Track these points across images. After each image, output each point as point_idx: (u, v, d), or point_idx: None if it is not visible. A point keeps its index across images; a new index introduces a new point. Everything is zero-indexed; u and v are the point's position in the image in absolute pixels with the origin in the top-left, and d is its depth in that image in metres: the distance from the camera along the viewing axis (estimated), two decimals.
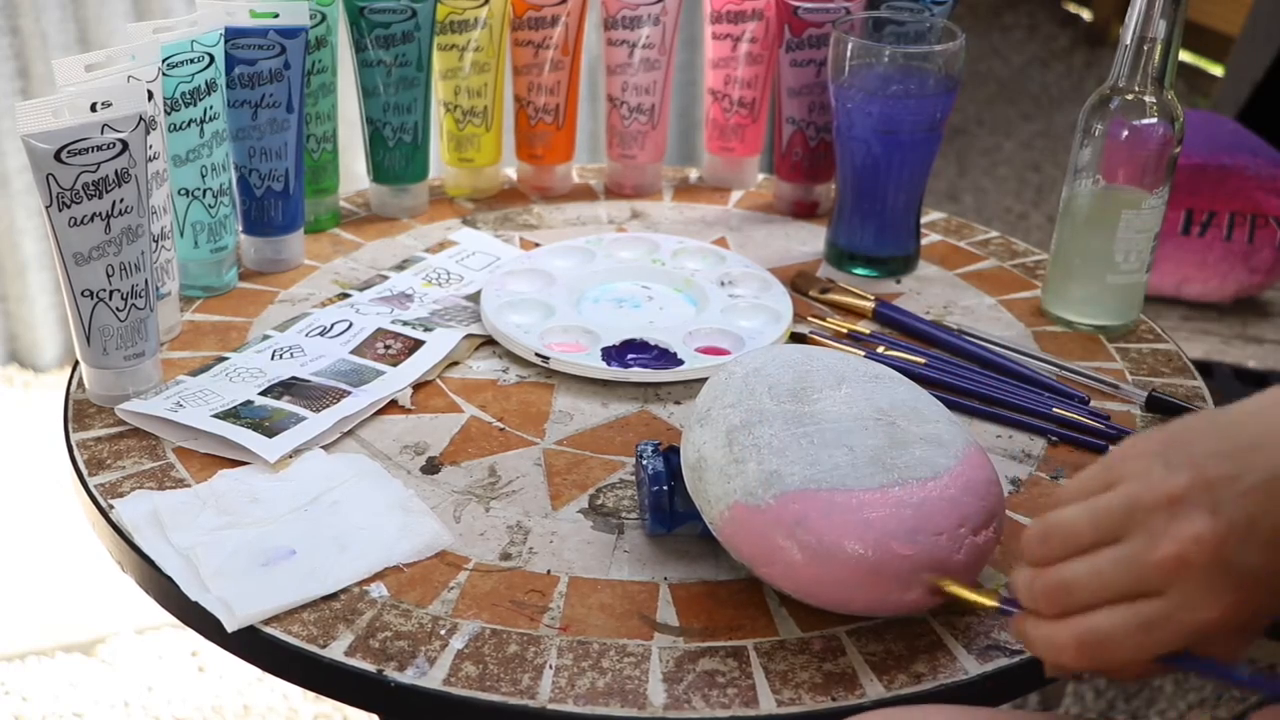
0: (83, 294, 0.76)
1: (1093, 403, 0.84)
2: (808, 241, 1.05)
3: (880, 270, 0.99)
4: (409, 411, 0.81)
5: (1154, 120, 0.86)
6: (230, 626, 0.63)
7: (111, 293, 0.77)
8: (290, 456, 0.75)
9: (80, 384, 0.81)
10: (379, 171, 1.06)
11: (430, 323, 0.89)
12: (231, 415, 0.77)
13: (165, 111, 0.85)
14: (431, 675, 0.61)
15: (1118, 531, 0.50)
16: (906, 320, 0.92)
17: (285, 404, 0.79)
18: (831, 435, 0.64)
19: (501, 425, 0.80)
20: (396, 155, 1.04)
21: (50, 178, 0.73)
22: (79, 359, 0.80)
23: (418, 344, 0.86)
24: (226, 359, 0.84)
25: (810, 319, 0.93)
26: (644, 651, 0.63)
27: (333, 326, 0.88)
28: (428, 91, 1.04)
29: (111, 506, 0.71)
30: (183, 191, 0.89)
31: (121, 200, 0.75)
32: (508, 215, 1.08)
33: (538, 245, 1.01)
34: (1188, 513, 0.48)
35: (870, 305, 0.93)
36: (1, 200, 2.02)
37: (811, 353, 0.70)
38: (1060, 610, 0.51)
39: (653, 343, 0.86)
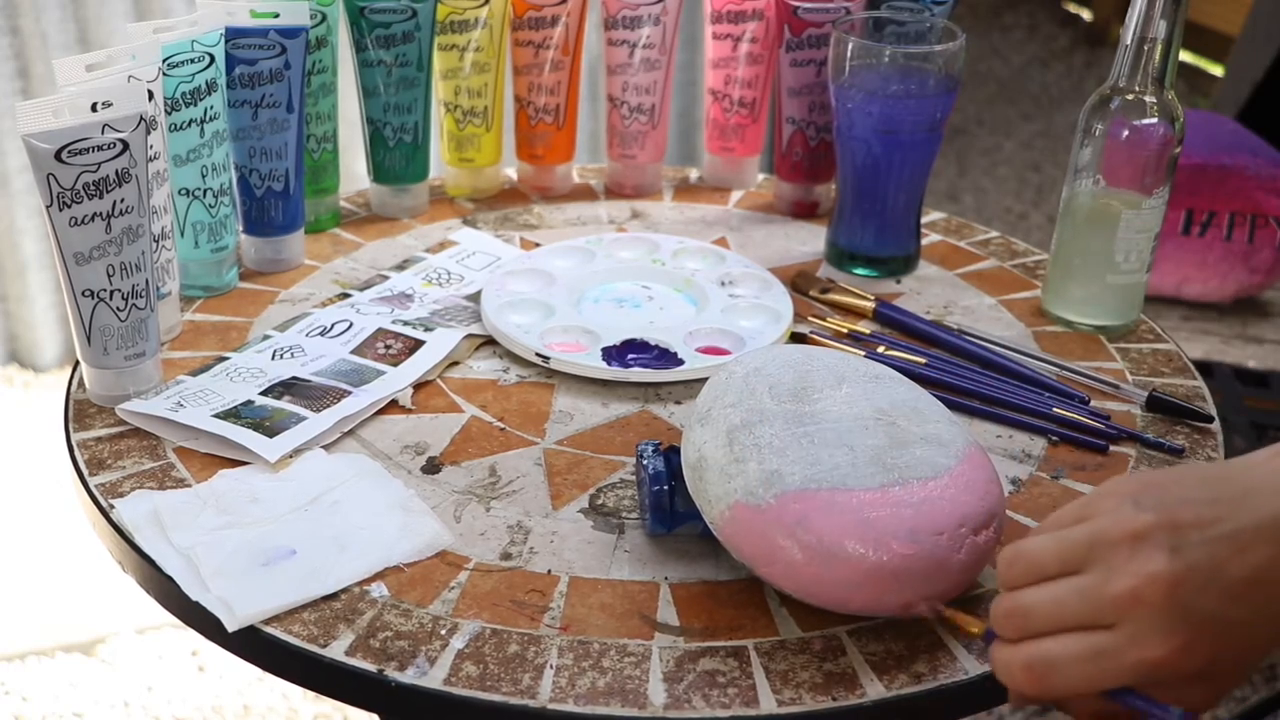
0: (83, 294, 0.76)
1: (1093, 403, 0.84)
2: (808, 241, 1.05)
3: (880, 270, 0.99)
4: (409, 411, 0.81)
5: (1154, 120, 0.86)
6: (231, 626, 0.63)
7: (112, 293, 0.77)
8: (290, 456, 0.75)
9: (80, 384, 0.81)
10: (379, 171, 1.06)
11: (431, 323, 0.89)
12: (232, 415, 0.77)
13: (166, 111, 0.85)
14: (432, 675, 0.61)
15: (1080, 563, 0.51)
16: (907, 320, 0.92)
17: (286, 404, 0.79)
18: (832, 435, 0.64)
19: (502, 425, 0.80)
20: (397, 155, 1.04)
21: (51, 177, 0.73)
22: (79, 359, 0.80)
23: (418, 344, 0.86)
24: (227, 359, 0.84)
25: (810, 319, 0.93)
26: (644, 651, 0.63)
27: (333, 326, 0.88)
28: (428, 91, 1.04)
29: (112, 506, 0.71)
30: (183, 191, 0.89)
31: (122, 200, 0.75)
32: (508, 215, 1.08)
33: (538, 245, 1.01)
34: (1148, 551, 0.49)
35: (870, 305, 0.93)
36: (2, 200, 2.02)
37: (812, 353, 0.70)
38: (1018, 634, 0.52)
39: (653, 343, 0.86)
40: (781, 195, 1.10)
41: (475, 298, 0.93)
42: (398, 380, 0.82)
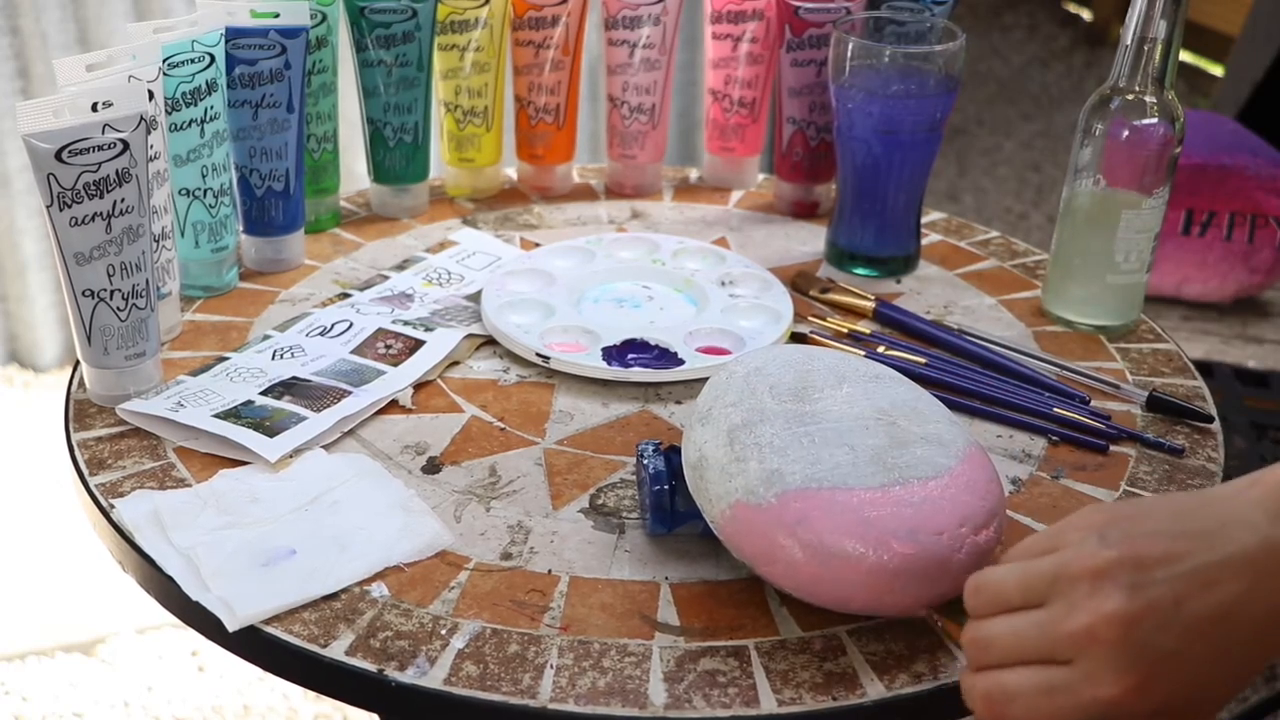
0: (83, 294, 0.76)
1: (1093, 403, 0.84)
2: (808, 241, 1.05)
3: (880, 270, 0.99)
4: (410, 411, 0.81)
5: (1154, 120, 0.86)
6: (231, 626, 0.63)
7: (112, 292, 0.77)
8: (291, 456, 0.75)
9: (81, 384, 0.81)
10: (379, 171, 1.06)
11: (431, 323, 0.89)
12: (232, 415, 0.77)
13: (166, 111, 0.85)
14: (432, 675, 0.61)
15: (1042, 596, 0.51)
16: (907, 320, 0.92)
17: (286, 404, 0.79)
18: (832, 434, 0.64)
19: (502, 425, 0.80)
20: (397, 155, 1.04)
21: (51, 177, 0.73)
22: (80, 359, 0.80)
23: (418, 344, 0.86)
24: (227, 359, 0.84)
25: (811, 319, 0.93)
26: (645, 651, 0.63)
27: (333, 326, 0.88)
28: (428, 91, 1.04)
29: (112, 506, 0.71)
30: (183, 191, 0.89)
31: (122, 200, 0.75)
32: (508, 215, 1.08)
33: (538, 245, 1.01)
34: (1107, 588, 0.49)
35: (870, 305, 0.93)
36: (2, 200, 2.02)
37: (812, 352, 0.70)
38: (979, 663, 0.53)
39: (653, 342, 0.86)
40: (781, 195, 1.10)
41: (475, 298, 0.93)
42: (398, 380, 0.82)
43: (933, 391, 0.72)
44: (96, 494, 0.73)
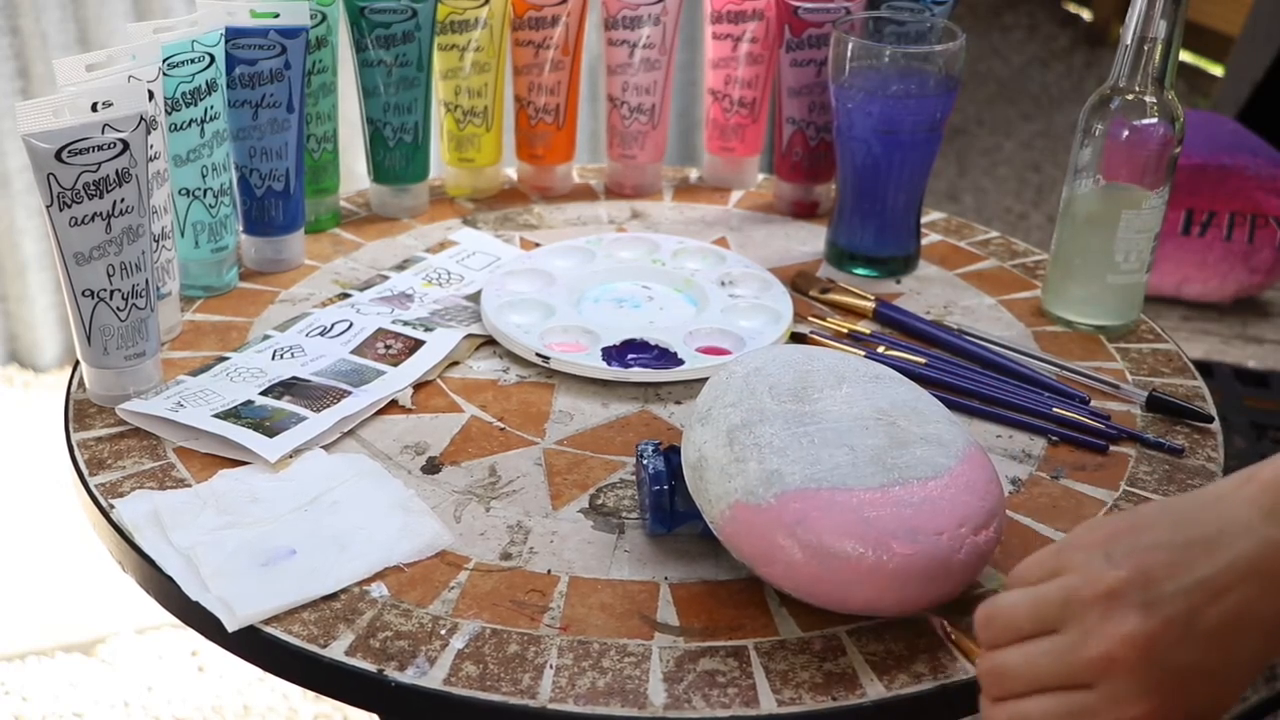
0: (83, 294, 0.76)
1: (1093, 403, 0.84)
2: (808, 241, 1.05)
3: (880, 270, 0.99)
4: (409, 411, 0.81)
5: (1154, 120, 0.86)
6: (231, 626, 0.63)
7: (112, 292, 0.77)
8: (290, 456, 0.75)
9: (81, 384, 0.81)
10: (379, 171, 1.06)
11: (431, 323, 0.89)
12: (232, 415, 0.77)
13: (166, 111, 0.85)
14: (432, 675, 0.61)
15: (1055, 622, 0.51)
16: (907, 320, 0.92)
17: (286, 404, 0.79)
18: (832, 435, 0.64)
19: (502, 425, 0.80)
20: (397, 155, 1.04)
21: (51, 177, 0.73)
22: (79, 359, 0.80)
23: (418, 344, 0.86)
24: (227, 359, 0.84)
25: (810, 319, 0.93)
26: (644, 651, 0.63)
27: (333, 326, 0.88)
28: (428, 91, 1.04)
29: (112, 506, 0.71)
30: (183, 191, 0.89)
31: (122, 200, 0.75)
32: (508, 215, 1.08)
33: (538, 245, 1.01)
34: (1121, 610, 0.49)
35: (870, 305, 0.93)
36: (2, 200, 2.02)
37: (812, 353, 0.70)
38: (998, 694, 0.52)
39: (653, 343, 0.86)
40: (781, 195, 1.10)
41: (475, 298, 0.93)
42: (398, 380, 0.82)
43: (932, 391, 0.72)
44: (96, 494, 0.73)
